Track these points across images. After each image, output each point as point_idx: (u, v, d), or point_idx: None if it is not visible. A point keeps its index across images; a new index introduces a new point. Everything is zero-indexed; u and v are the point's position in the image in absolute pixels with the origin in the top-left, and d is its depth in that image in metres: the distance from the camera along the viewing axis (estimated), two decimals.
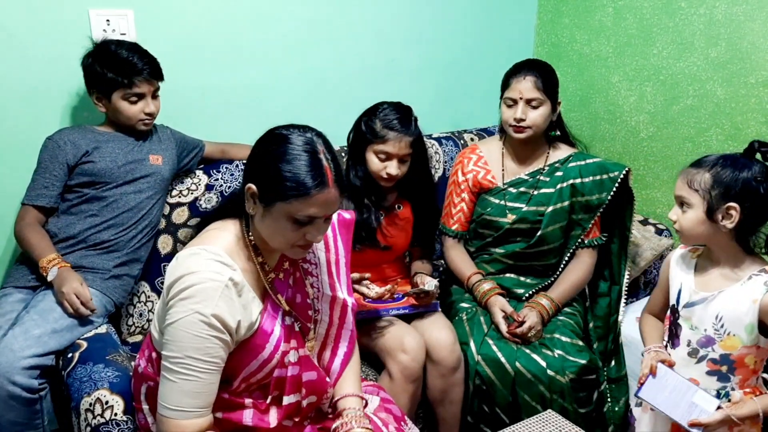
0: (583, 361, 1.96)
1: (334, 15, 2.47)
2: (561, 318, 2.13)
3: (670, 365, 1.60)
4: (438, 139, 2.60)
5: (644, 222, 2.56)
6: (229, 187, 2.18)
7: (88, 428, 1.49)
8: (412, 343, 1.87)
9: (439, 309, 2.07)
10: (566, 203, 2.15)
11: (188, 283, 1.23)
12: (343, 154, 2.39)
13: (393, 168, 1.97)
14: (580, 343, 2.04)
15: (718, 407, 1.49)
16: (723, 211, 1.46)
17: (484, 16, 2.82)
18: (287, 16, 2.38)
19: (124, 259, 1.93)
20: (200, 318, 1.22)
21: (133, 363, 1.79)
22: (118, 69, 1.86)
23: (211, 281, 1.24)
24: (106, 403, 1.50)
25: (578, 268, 2.18)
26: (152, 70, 1.92)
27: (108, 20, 2.06)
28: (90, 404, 1.50)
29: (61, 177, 1.88)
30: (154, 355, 1.38)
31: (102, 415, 1.49)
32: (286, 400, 1.39)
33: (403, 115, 1.98)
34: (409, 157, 2.01)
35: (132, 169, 1.94)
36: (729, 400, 1.52)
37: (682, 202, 1.51)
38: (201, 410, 1.26)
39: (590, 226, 2.16)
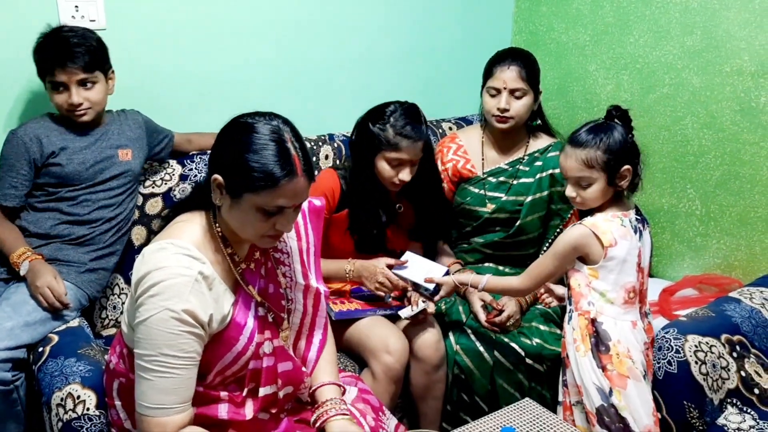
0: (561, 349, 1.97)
1: (311, 3, 2.43)
2: (539, 307, 2.14)
3: None
4: None
5: None
6: (204, 177, 2.15)
7: (60, 423, 1.46)
8: (396, 344, 1.86)
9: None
10: (545, 193, 2.16)
11: (156, 279, 1.20)
12: (313, 144, 2.37)
13: (406, 174, 1.93)
14: (558, 331, 2.05)
15: (446, 273, 1.92)
16: (620, 175, 1.66)
17: (461, 4, 2.80)
18: (263, 3, 2.34)
19: (99, 253, 1.90)
20: (171, 314, 1.19)
21: (106, 357, 1.76)
22: (42, 56, 1.80)
23: (181, 276, 1.21)
24: (78, 397, 1.47)
25: None
26: (77, 59, 1.78)
27: (77, 6, 2.01)
28: (61, 399, 1.47)
29: (29, 176, 1.83)
30: (125, 351, 1.35)
31: (74, 410, 1.46)
32: (262, 391, 1.37)
33: (414, 120, 1.91)
34: (419, 160, 1.97)
35: (101, 170, 1.89)
36: (570, 321, 1.72)
37: (580, 180, 1.68)
38: (181, 406, 1.24)
39: (570, 216, 2.17)
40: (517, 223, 2.16)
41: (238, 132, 1.26)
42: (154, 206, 2.09)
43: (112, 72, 1.92)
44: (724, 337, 1.78)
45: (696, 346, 1.76)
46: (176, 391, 1.23)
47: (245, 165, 1.22)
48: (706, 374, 1.75)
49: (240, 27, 2.31)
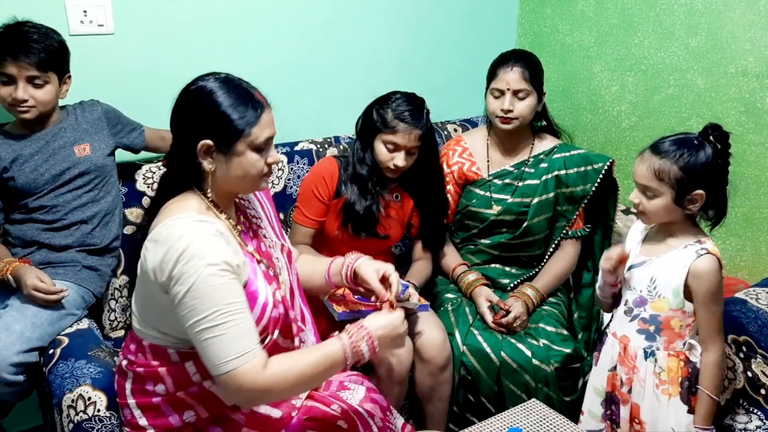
0: (568, 350, 1.98)
1: (315, 6, 2.44)
2: (546, 308, 2.14)
3: None
4: None
5: (626, 212, 2.57)
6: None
7: (71, 425, 1.47)
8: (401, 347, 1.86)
9: (430, 309, 2.05)
10: (551, 195, 2.16)
11: (183, 247, 1.22)
12: (319, 146, 2.38)
13: (400, 159, 1.95)
14: (565, 332, 2.05)
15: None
16: (690, 198, 1.55)
17: (466, 5, 2.81)
18: (268, 6, 2.35)
19: (93, 254, 1.90)
20: (214, 268, 1.22)
21: (116, 358, 1.77)
22: None
23: (204, 234, 1.25)
24: (89, 399, 1.48)
25: (562, 259, 2.20)
26: (31, 56, 1.72)
27: (85, 11, 2.03)
28: (72, 400, 1.48)
29: None
30: (145, 343, 1.38)
31: (85, 412, 1.47)
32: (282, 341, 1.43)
33: (414, 107, 1.95)
34: (417, 150, 1.98)
35: (59, 173, 1.83)
36: (655, 360, 1.62)
37: (646, 189, 1.57)
38: (258, 345, 1.26)
39: (575, 217, 2.17)
40: (524, 225, 2.16)
41: (199, 97, 1.32)
42: None
43: (69, 77, 1.86)
44: (730, 337, 1.78)
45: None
46: (249, 333, 1.25)
47: (226, 117, 1.30)
48: None
49: (247, 32, 2.33)
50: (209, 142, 1.30)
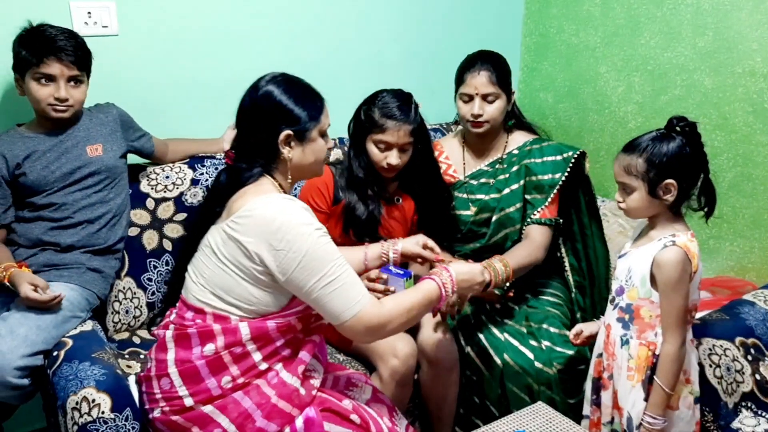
0: (571, 352, 1.97)
1: (319, 7, 2.44)
2: (548, 308, 2.13)
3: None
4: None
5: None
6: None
7: (75, 427, 1.47)
8: (404, 348, 1.86)
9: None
10: (521, 182, 2.15)
11: (289, 219, 1.37)
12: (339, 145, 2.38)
13: (393, 158, 1.93)
14: (568, 333, 2.04)
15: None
16: (663, 188, 1.58)
17: (471, 6, 2.80)
18: (272, 8, 2.35)
19: (97, 255, 1.90)
20: (321, 233, 1.39)
21: (120, 360, 1.77)
22: (31, 47, 1.77)
23: (299, 207, 1.41)
24: (93, 401, 1.48)
25: (525, 244, 2.09)
26: (70, 54, 1.78)
27: (89, 12, 2.03)
28: (76, 402, 1.48)
29: (2, 194, 1.82)
30: (207, 311, 1.44)
31: (89, 414, 1.47)
32: None
33: (402, 103, 1.93)
34: (410, 146, 1.96)
35: (70, 171, 1.85)
36: (629, 348, 1.65)
37: (624, 187, 1.63)
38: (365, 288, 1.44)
39: (544, 206, 2.13)
40: (494, 218, 2.14)
41: (269, 98, 1.47)
42: (166, 210, 2.10)
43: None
44: (738, 340, 1.77)
45: (710, 350, 1.75)
46: (357, 279, 1.43)
47: (300, 108, 1.47)
48: (720, 377, 1.74)
49: (250, 34, 2.33)
50: (289, 131, 1.45)
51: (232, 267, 1.41)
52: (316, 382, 1.51)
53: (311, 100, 1.50)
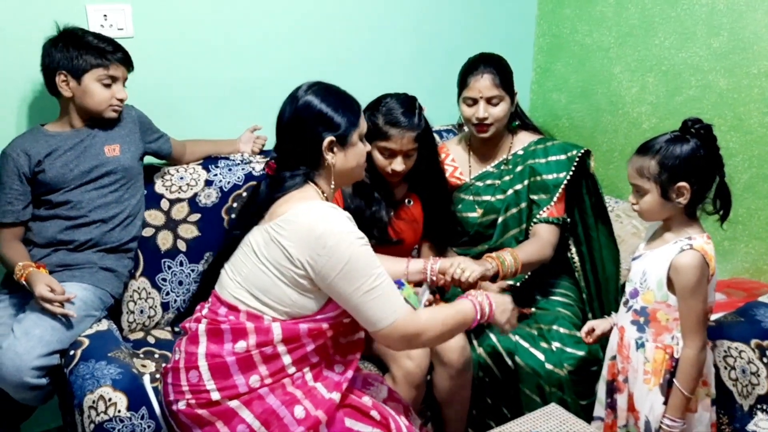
0: (582, 353, 1.96)
1: (333, 8, 2.45)
2: (559, 309, 2.12)
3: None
4: (438, 132, 2.58)
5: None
6: (228, 182, 2.17)
7: (92, 425, 1.49)
8: (417, 350, 1.86)
9: None
10: (525, 182, 2.15)
11: (332, 227, 1.40)
12: None
13: (398, 164, 1.94)
14: (578, 334, 2.03)
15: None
16: (675, 191, 1.57)
17: (484, 6, 2.80)
18: (284, 9, 2.36)
19: (110, 254, 1.92)
20: (362, 242, 1.43)
21: (135, 360, 1.79)
22: (95, 50, 1.83)
23: (342, 215, 1.44)
24: (110, 400, 1.50)
25: (533, 241, 2.09)
26: (127, 57, 1.90)
27: (105, 15, 2.05)
28: (93, 401, 1.50)
29: (22, 190, 1.85)
30: (242, 308, 1.45)
31: (105, 412, 1.49)
32: None
33: (406, 109, 1.92)
34: (414, 152, 1.96)
35: (88, 170, 1.88)
36: (644, 351, 1.64)
37: (637, 189, 1.62)
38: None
39: (550, 205, 2.12)
40: (500, 219, 2.14)
41: (310, 108, 1.50)
42: (180, 211, 2.11)
43: None
44: (753, 342, 1.76)
45: (725, 352, 1.74)
46: (395, 289, 1.47)
47: (341, 115, 1.50)
48: (735, 380, 1.74)
49: (262, 35, 2.34)
50: (332, 137, 1.48)
51: (271, 269, 1.42)
52: (344, 385, 1.52)
53: (349, 106, 1.53)
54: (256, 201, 1.53)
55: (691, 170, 1.55)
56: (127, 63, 1.90)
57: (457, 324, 1.53)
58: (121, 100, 1.90)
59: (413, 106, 1.95)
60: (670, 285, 1.60)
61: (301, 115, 1.49)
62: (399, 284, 1.75)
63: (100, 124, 1.93)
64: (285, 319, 1.44)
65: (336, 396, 1.46)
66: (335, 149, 1.50)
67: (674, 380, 1.59)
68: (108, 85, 1.87)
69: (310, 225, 1.39)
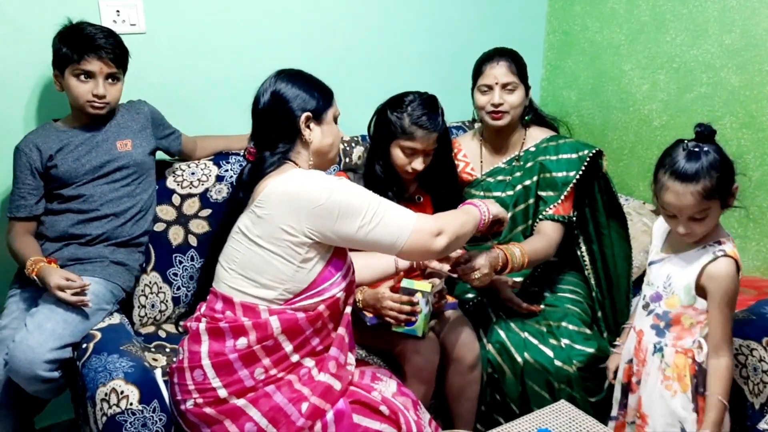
0: (591, 350, 1.96)
1: (343, 6, 2.45)
2: (568, 305, 2.12)
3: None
4: (449, 129, 2.57)
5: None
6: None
7: (104, 417, 1.50)
8: (427, 346, 1.86)
9: (458, 308, 2.03)
10: (534, 179, 2.15)
11: (309, 183, 1.44)
12: (347, 145, 2.39)
13: (419, 163, 1.94)
14: (588, 331, 2.03)
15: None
16: (732, 194, 1.55)
17: (494, 4, 2.80)
18: (297, 6, 2.37)
19: (121, 248, 1.93)
20: (341, 183, 1.46)
21: (146, 354, 1.80)
22: (72, 44, 1.80)
23: (314, 173, 1.49)
24: (122, 392, 1.51)
25: (538, 238, 2.10)
26: (110, 52, 1.83)
27: (118, 11, 2.06)
28: (105, 394, 1.51)
29: (35, 185, 1.86)
30: (236, 300, 1.48)
31: (118, 405, 1.50)
32: None
33: (431, 110, 1.93)
34: (433, 151, 1.97)
35: (99, 165, 1.89)
36: (662, 356, 1.63)
37: (694, 215, 1.52)
38: None
39: (556, 203, 2.12)
40: (509, 215, 2.11)
41: (286, 89, 1.54)
42: (191, 206, 2.13)
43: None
44: (765, 340, 1.75)
45: (737, 350, 1.73)
46: (394, 203, 1.51)
47: (315, 92, 1.56)
48: (747, 378, 1.73)
49: (274, 33, 2.35)
50: (308, 113, 1.53)
51: (265, 245, 1.44)
52: (351, 368, 1.55)
53: (320, 87, 1.59)
54: (240, 187, 1.57)
55: (732, 169, 1.54)
56: (112, 59, 1.84)
57: (468, 221, 1.61)
58: (99, 96, 1.85)
59: (437, 106, 1.96)
60: (699, 290, 1.57)
61: (278, 96, 1.54)
62: (410, 292, 1.76)
63: (108, 120, 1.93)
64: (281, 306, 1.46)
65: (337, 384, 1.48)
66: (312, 125, 1.55)
67: (710, 393, 1.55)
68: (85, 81, 1.83)
69: (293, 191, 1.44)
